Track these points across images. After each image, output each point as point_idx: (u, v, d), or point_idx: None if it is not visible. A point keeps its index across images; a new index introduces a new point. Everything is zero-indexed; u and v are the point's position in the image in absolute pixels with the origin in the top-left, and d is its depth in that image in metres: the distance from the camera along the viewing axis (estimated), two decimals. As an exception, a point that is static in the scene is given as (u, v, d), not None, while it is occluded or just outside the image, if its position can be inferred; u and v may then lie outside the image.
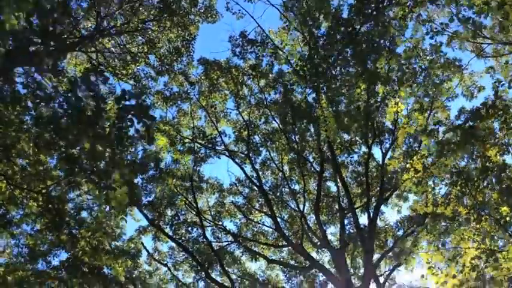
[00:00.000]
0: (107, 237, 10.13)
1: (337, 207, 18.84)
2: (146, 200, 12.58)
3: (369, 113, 15.72)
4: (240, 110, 18.21)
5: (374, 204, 16.99)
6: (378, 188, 17.66)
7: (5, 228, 11.42)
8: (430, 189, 6.67)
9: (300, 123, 17.08)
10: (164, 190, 15.60)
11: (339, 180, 16.98)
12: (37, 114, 10.91)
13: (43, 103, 10.94)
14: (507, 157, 7.01)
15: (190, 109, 18.21)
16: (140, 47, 17.24)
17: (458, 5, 9.75)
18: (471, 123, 6.32)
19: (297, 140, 17.60)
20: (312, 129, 16.88)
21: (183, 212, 17.60)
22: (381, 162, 17.44)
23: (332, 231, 19.77)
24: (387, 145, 17.66)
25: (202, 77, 17.76)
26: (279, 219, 17.73)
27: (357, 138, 17.23)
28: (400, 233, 18.94)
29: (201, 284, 17.69)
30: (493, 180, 7.05)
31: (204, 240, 16.58)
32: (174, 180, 16.92)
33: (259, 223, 18.83)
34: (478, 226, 6.73)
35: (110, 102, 16.19)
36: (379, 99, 12.84)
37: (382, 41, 9.88)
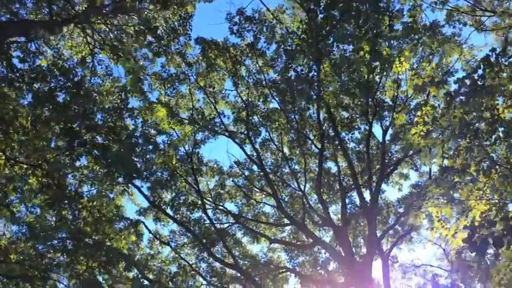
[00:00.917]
0: (108, 206, 10.02)
1: (337, 186, 18.83)
2: (147, 173, 12.39)
3: (370, 87, 15.68)
4: (239, 90, 18.05)
5: (375, 181, 16.97)
6: (379, 166, 17.66)
7: (4, 207, 11.27)
8: (438, 142, 6.57)
9: (300, 100, 16.96)
10: (166, 164, 15.39)
11: (341, 154, 16.94)
12: (35, 91, 10.79)
13: (40, 79, 10.81)
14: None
15: (189, 90, 18.01)
16: (137, 28, 17.00)
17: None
18: (480, 73, 6.21)
19: (297, 119, 17.49)
20: (313, 105, 16.75)
21: (183, 194, 17.45)
22: (381, 140, 17.45)
23: (333, 210, 19.72)
24: (387, 123, 17.67)
25: (200, 58, 17.55)
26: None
27: (357, 113, 17.16)
28: (402, 210, 18.97)
29: (203, 265, 17.59)
30: (501, 136, 6.96)
31: (206, 218, 16.48)
32: (174, 161, 16.77)
33: (260, 202, 18.73)
34: (487, 180, 6.64)
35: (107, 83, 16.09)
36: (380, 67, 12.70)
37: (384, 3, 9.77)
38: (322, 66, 14.57)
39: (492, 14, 16.79)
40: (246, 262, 19.07)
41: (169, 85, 17.98)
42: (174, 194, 16.65)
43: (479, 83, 6.37)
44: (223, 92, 18.52)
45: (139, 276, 13.63)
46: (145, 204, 17.13)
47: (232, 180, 18.32)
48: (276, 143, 18.62)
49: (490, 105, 6.56)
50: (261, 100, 18.02)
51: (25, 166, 10.04)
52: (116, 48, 16.89)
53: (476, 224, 6.12)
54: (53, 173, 9.65)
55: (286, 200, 19.29)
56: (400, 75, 16.87)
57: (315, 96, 16.53)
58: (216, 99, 18.15)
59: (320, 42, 13.94)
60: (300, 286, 18.78)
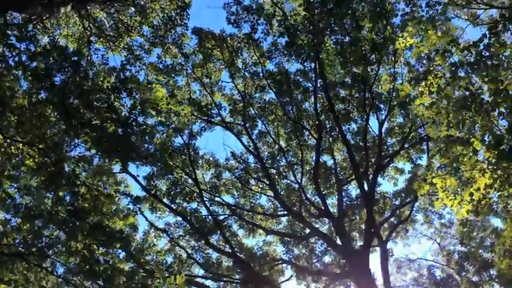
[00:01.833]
0: (106, 183, 9.91)
1: (334, 179, 18.86)
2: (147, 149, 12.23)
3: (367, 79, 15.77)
4: (235, 82, 18.02)
5: (371, 173, 17.03)
6: (375, 159, 17.72)
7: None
8: (443, 112, 6.56)
9: (297, 91, 16.99)
10: (164, 141, 15.24)
11: (339, 145, 16.97)
12: (32, 70, 10.65)
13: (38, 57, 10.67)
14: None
15: (185, 81, 17.92)
16: (133, 18, 16.91)
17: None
18: (486, 42, 6.22)
19: (294, 110, 17.50)
20: (309, 97, 16.78)
21: (180, 185, 17.32)
22: (377, 132, 17.52)
23: (329, 203, 19.68)
24: (383, 116, 17.76)
25: (197, 49, 17.49)
26: (276, 193, 17.60)
27: (354, 105, 17.22)
28: (397, 202, 19.05)
29: (199, 255, 17.44)
30: (504, 111, 6.98)
31: (203, 207, 16.38)
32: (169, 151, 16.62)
33: (257, 193, 18.65)
34: (490, 154, 6.64)
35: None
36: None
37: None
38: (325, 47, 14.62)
39: (487, 7, 16.98)
40: (242, 255, 18.96)
41: (165, 76, 17.88)
42: (170, 183, 16.52)
43: (484, 53, 6.39)
44: (219, 83, 18.50)
45: (135, 266, 13.47)
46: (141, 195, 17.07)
47: (230, 171, 18.22)
48: (273, 136, 18.60)
49: (495, 76, 6.58)
50: (257, 91, 17.99)
51: (21, 146, 9.88)
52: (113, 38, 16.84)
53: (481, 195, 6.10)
54: (50, 152, 9.51)
55: (282, 193, 19.24)
56: (396, 68, 17.02)
57: (312, 87, 16.62)
58: (212, 90, 18.08)
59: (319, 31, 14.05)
60: (296, 278, 18.76)
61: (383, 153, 17.56)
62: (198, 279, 16.04)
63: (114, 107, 9.48)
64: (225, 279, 16.91)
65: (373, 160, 17.91)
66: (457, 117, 6.35)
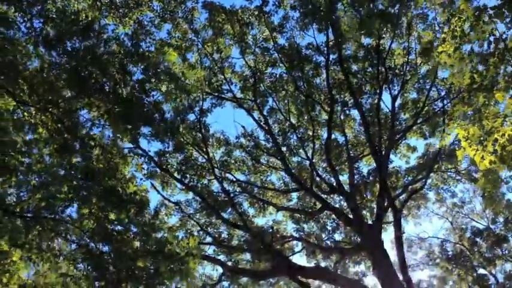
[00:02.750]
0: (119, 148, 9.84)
1: (345, 156, 18.72)
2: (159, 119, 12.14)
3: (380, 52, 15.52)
4: (246, 58, 17.83)
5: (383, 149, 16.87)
6: (387, 136, 17.55)
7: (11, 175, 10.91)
8: (466, 58, 6.38)
9: (308, 66, 16.80)
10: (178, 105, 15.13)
11: (355, 114, 16.79)
12: (45, 34, 10.58)
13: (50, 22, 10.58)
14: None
15: (195, 58, 17.76)
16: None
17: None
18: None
19: (305, 85, 17.32)
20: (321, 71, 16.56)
21: (191, 162, 17.25)
22: (390, 108, 17.31)
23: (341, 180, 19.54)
24: (396, 92, 17.52)
25: (207, 23, 17.31)
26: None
27: (367, 80, 17.01)
28: (409, 180, 18.87)
29: (211, 230, 17.44)
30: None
31: (214, 184, 16.32)
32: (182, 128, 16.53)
33: (268, 169, 18.54)
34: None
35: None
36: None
37: None
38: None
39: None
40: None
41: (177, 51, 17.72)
42: (182, 159, 16.46)
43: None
44: (229, 60, 18.33)
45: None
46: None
47: (241, 146, 18.11)
48: (284, 114, 18.43)
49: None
50: (268, 66, 17.79)
51: (34, 113, 9.83)
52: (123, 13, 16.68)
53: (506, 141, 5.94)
54: (64, 118, 9.46)
55: (293, 171, 19.12)
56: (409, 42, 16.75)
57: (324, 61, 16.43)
58: (223, 66, 17.92)
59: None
60: (306, 256, 18.73)
61: (396, 128, 17.38)
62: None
63: (126, 70, 9.40)
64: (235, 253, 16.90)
65: (385, 136, 17.74)
66: (480, 63, 6.17)
